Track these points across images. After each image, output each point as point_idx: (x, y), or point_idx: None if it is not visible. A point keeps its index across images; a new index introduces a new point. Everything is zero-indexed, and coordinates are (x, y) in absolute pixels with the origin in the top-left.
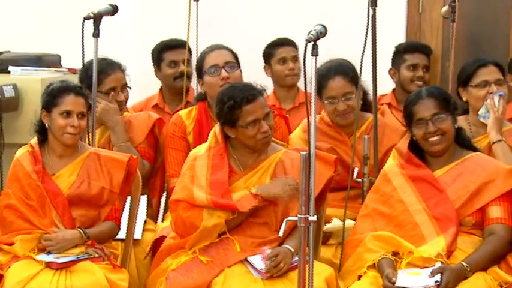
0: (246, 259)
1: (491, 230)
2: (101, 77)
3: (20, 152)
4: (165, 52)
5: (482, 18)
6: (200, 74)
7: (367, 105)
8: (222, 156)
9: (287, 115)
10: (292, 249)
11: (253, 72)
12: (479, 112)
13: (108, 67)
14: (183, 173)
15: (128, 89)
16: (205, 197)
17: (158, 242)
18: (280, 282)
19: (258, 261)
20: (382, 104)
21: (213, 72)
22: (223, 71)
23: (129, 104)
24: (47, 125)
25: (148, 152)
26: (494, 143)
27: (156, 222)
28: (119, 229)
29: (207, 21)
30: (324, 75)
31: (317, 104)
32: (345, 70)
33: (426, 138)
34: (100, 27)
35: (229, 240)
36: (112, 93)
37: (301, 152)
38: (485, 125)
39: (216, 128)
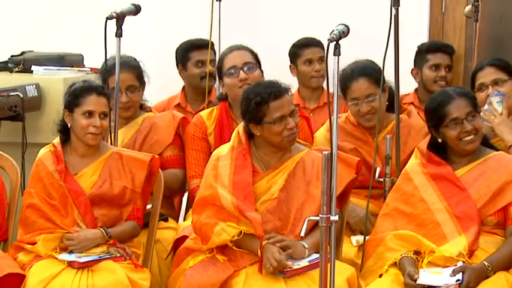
0: None
1: None
2: (107, 75)
3: (43, 151)
4: (191, 51)
5: (506, 18)
6: (220, 75)
7: (393, 106)
8: (245, 157)
9: (311, 114)
10: (307, 246)
11: (277, 71)
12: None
13: (114, 66)
14: (207, 173)
15: (139, 92)
16: (230, 199)
17: (180, 241)
18: (301, 281)
19: None
20: (405, 104)
21: (232, 74)
22: (241, 72)
23: (151, 103)
24: (69, 124)
25: (175, 157)
26: (510, 146)
27: (177, 222)
28: (141, 229)
29: (230, 21)
30: (348, 76)
31: (342, 103)
32: (369, 71)
33: (461, 138)
34: (123, 27)
35: None
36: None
37: (323, 152)
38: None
39: (240, 128)
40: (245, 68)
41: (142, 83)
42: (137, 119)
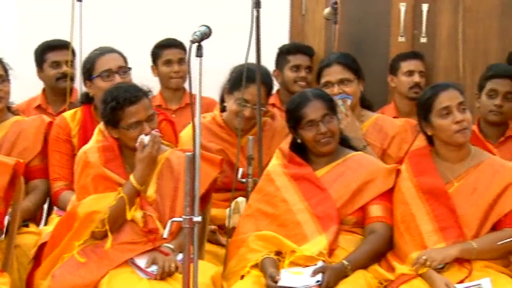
0: (132, 261)
1: (371, 229)
2: None
3: None
4: (47, 53)
5: (365, 20)
6: (89, 77)
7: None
8: (114, 151)
9: (173, 115)
10: (172, 247)
11: (139, 72)
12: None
13: None
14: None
15: (7, 83)
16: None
17: (43, 246)
18: (165, 282)
19: (143, 263)
20: (268, 105)
21: (106, 77)
22: (116, 76)
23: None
24: None
25: (42, 167)
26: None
27: (38, 226)
28: (3, 233)
29: (91, 22)
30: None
31: (203, 104)
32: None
33: (317, 140)
34: None
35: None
36: None
37: (186, 153)
38: None
39: (101, 125)
40: (120, 72)
41: (8, 77)
42: (5, 123)
